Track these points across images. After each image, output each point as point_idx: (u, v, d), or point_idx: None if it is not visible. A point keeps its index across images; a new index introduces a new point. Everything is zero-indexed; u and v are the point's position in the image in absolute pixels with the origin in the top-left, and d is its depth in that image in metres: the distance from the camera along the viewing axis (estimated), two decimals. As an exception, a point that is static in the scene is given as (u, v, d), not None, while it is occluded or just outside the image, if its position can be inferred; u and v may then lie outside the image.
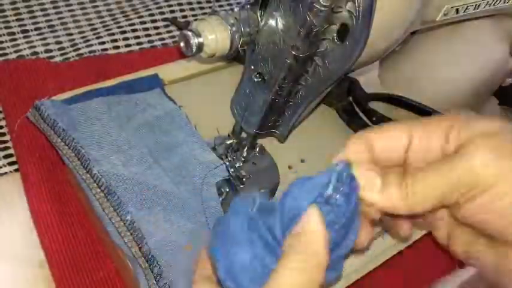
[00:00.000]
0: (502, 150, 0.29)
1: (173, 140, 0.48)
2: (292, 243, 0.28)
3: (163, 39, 0.70)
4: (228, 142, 0.50)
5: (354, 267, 0.47)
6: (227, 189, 0.49)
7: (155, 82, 0.53)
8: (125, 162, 0.45)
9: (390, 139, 0.32)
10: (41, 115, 0.47)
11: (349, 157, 0.31)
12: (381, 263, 0.48)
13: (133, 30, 0.69)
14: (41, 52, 0.64)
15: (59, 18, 0.68)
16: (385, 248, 0.49)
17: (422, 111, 0.59)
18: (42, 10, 0.68)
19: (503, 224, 0.29)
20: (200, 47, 0.39)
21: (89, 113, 0.48)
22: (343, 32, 0.36)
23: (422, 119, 0.33)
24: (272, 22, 0.40)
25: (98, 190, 0.43)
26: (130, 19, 0.70)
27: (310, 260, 0.28)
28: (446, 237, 0.34)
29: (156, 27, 0.71)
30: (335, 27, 0.37)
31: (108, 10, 0.72)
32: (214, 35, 0.38)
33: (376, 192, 0.30)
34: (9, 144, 0.55)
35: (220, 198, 0.47)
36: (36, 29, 0.66)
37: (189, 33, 0.39)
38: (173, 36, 0.71)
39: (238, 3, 0.79)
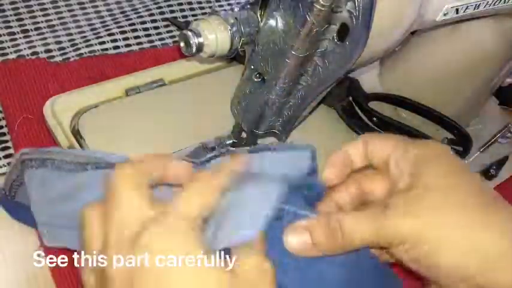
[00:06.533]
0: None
1: None
2: None
3: (163, 39, 0.70)
4: (228, 142, 0.50)
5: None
6: None
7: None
8: None
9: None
10: None
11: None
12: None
13: (133, 30, 0.69)
14: (41, 52, 0.64)
15: (59, 18, 0.68)
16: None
17: (422, 111, 0.59)
18: (42, 10, 0.68)
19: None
20: (200, 47, 0.39)
21: None
22: (343, 32, 0.36)
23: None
24: (272, 22, 0.40)
25: None
26: (130, 19, 0.70)
27: None
28: None
29: (156, 27, 0.71)
30: (335, 27, 0.37)
31: (108, 10, 0.71)
32: (214, 35, 0.38)
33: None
34: (9, 144, 0.55)
35: None
36: (36, 29, 0.66)
37: (189, 33, 0.39)
38: (173, 36, 0.71)
39: (238, 3, 0.79)
